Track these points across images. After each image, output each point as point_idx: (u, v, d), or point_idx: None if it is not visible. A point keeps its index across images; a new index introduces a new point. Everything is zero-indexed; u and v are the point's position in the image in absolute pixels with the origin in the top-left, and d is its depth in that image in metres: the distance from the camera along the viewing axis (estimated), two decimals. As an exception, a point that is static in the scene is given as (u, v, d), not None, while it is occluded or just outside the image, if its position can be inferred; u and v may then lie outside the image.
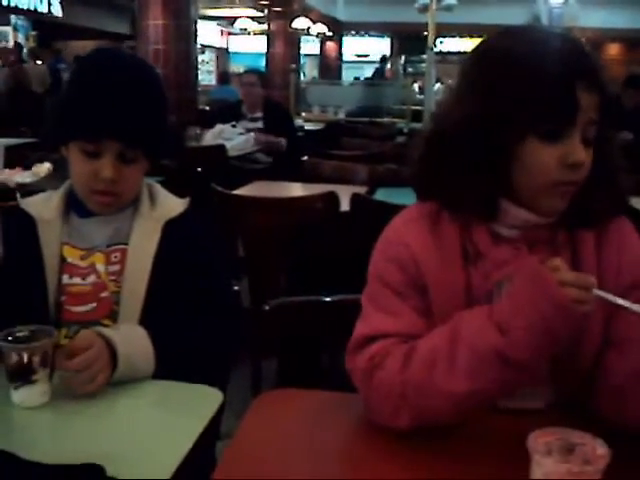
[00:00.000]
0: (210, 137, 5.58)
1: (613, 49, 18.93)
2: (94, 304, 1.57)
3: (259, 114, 5.67)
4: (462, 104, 1.25)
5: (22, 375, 1.29)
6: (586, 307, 1.06)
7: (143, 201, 1.63)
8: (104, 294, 1.58)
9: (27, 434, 1.24)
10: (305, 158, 4.72)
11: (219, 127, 5.57)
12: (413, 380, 1.16)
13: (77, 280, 1.59)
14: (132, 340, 1.43)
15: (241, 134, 5.52)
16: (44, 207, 1.63)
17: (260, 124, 5.62)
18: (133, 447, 1.19)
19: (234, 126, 5.55)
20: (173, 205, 1.65)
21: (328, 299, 1.63)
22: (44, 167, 3.62)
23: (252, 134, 5.51)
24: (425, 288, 1.25)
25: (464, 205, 1.26)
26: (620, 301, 1.09)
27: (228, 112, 5.85)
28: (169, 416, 1.31)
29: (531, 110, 1.18)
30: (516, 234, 1.26)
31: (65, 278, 1.59)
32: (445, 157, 1.26)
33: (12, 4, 12.06)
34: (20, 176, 3.62)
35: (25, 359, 1.29)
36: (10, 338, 1.32)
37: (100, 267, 1.59)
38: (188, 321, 1.53)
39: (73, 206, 1.63)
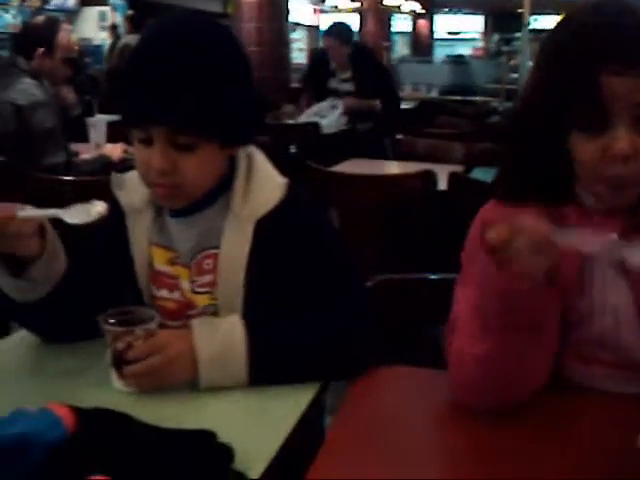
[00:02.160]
0: (305, 116, 5.58)
1: None
2: (184, 320, 1.40)
3: (349, 74, 5.43)
4: (527, 90, 1.23)
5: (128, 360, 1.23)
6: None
7: (236, 191, 1.39)
8: (192, 312, 1.43)
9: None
10: (400, 136, 4.70)
11: (316, 106, 5.53)
12: (456, 349, 1.19)
13: (164, 293, 1.46)
14: (224, 346, 1.28)
15: (336, 109, 5.41)
16: (134, 191, 1.45)
17: (351, 85, 5.42)
18: (242, 417, 1.21)
19: (334, 107, 5.43)
20: (267, 196, 1.39)
21: (433, 276, 1.62)
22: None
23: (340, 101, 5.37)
24: None
25: (544, 192, 1.22)
26: None
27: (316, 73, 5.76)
28: (274, 391, 1.31)
29: (562, 102, 1.13)
30: (602, 210, 1.20)
31: (153, 289, 1.47)
32: (517, 146, 1.25)
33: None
34: (120, 151, 3.70)
35: (134, 343, 1.24)
36: (113, 321, 1.26)
37: (185, 284, 1.43)
38: (299, 324, 1.33)
39: None
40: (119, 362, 1.24)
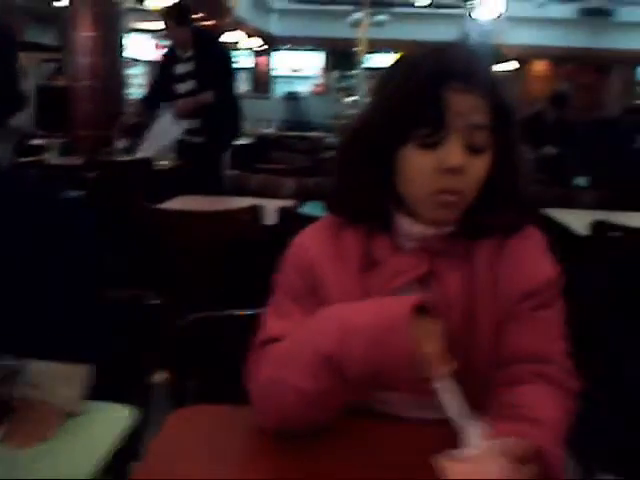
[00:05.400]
0: (147, 142, 5.39)
1: (540, 65, 19.33)
2: None
3: (190, 53, 5.24)
4: (359, 118, 1.29)
5: None
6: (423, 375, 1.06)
7: None
8: None
9: None
10: (235, 172, 4.70)
11: (156, 123, 5.32)
12: (271, 377, 1.17)
13: None
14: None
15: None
16: None
17: (192, 65, 5.22)
18: (42, 464, 1.16)
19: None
20: None
21: (245, 312, 1.61)
22: None
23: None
24: (322, 294, 1.26)
25: (361, 218, 1.28)
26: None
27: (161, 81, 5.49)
28: (76, 436, 1.27)
29: (403, 113, 1.18)
30: (414, 245, 1.27)
31: None
32: (344, 171, 1.30)
33: None
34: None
35: None
36: None
37: None
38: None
39: None
40: None
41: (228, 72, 5.36)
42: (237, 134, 5.54)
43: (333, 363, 1.09)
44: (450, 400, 1.04)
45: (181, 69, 5.25)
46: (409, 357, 1.04)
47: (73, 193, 3.68)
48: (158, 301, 1.71)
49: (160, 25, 16.45)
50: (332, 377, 1.10)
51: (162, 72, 5.49)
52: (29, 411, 1.30)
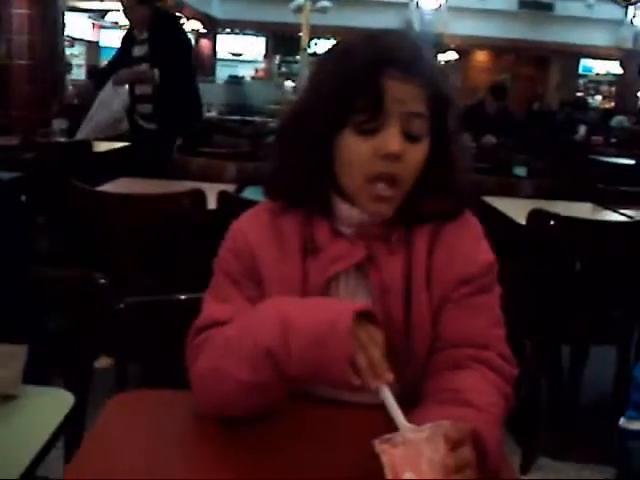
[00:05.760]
0: (85, 124, 5.30)
1: (481, 56, 19.60)
2: None
3: (146, 35, 4.95)
4: (297, 103, 1.30)
5: None
6: (359, 383, 1.05)
7: None
8: None
9: None
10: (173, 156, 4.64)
11: (97, 100, 5.19)
12: (210, 365, 1.16)
13: None
14: None
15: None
16: None
17: (147, 48, 4.94)
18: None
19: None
20: None
21: (183, 297, 1.60)
22: None
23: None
24: (261, 278, 1.27)
25: (300, 202, 1.29)
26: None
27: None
28: (16, 421, 1.25)
29: (341, 99, 1.19)
30: (353, 231, 1.28)
31: None
32: (283, 155, 1.30)
33: None
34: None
35: None
36: None
37: None
38: None
39: None
40: None
41: (184, 56, 5.06)
42: (193, 120, 5.29)
43: (273, 357, 1.08)
44: (387, 406, 1.05)
45: (138, 52, 5.02)
46: (346, 363, 1.03)
47: (8, 174, 3.60)
48: (105, 281, 1.69)
49: (102, 5, 16.08)
50: (271, 370, 1.09)
51: (119, 54, 5.29)
52: None
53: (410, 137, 1.20)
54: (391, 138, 1.18)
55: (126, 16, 5.06)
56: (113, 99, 5.10)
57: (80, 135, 5.36)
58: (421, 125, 1.21)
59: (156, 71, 4.87)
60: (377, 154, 1.19)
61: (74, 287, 1.74)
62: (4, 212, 1.53)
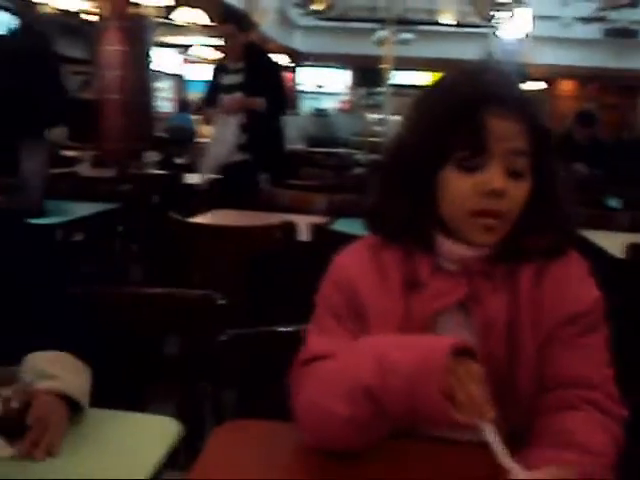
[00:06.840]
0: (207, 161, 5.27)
1: (566, 85, 19.28)
2: None
3: (241, 65, 5.02)
4: (399, 138, 1.30)
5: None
6: (459, 418, 1.02)
7: None
8: None
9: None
10: (262, 186, 4.69)
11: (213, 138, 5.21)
12: (312, 399, 1.17)
13: None
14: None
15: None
16: None
17: (242, 77, 5.01)
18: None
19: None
20: None
21: (284, 329, 1.61)
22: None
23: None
24: (363, 313, 1.26)
25: (401, 237, 1.29)
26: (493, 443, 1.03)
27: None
28: (123, 449, 1.27)
29: (442, 136, 1.19)
30: (455, 266, 1.27)
31: None
32: (384, 189, 1.30)
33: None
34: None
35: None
36: None
37: None
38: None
39: None
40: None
41: (278, 88, 5.16)
42: (282, 152, 5.37)
43: (371, 394, 1.08)
44: (492, 445, 1.03)
45: (228, 80, 5.08)
46: (441, 397, 1.02)
47: (107, 205, 3.70)
48: (224, 302, 1.75)
49: (186, 40, 16.37)
50: (370, 408, 1.09)
51: (214, 84, 5.33)
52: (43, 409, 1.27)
53: (513, 174, 1.19)
54: (495, 176, 1.18)
55: (225, 44, 5.13)
56: (225, 129, 5.08)
57: (205, 171, 5.30)
58: (523, 162, 1.20)
59: (261, 99, 4.91)
60: (481, 191, 1.19)
61: (193, 306, 1.80)
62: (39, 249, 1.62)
